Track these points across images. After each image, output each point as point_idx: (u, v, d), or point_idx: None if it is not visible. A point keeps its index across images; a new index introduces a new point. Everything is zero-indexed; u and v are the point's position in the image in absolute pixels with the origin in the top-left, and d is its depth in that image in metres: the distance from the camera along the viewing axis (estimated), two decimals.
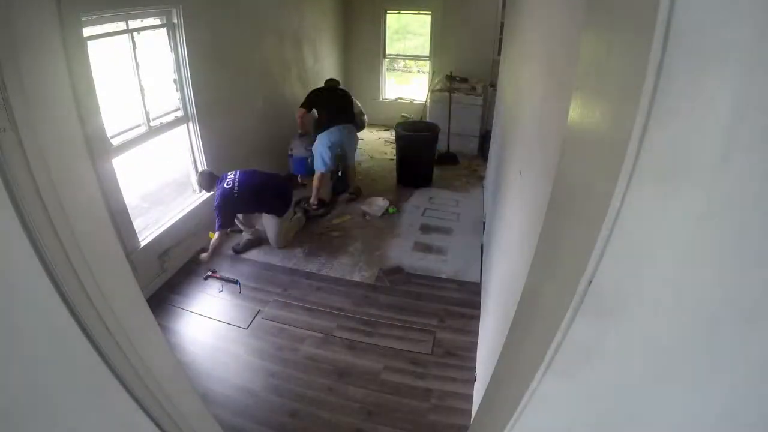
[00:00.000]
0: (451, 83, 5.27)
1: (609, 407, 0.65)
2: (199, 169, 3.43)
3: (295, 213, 3.68)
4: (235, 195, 3.09)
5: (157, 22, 2.85)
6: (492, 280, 2.36)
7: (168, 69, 3.02)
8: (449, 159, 5.13)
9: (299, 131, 4.26)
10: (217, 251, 3.28)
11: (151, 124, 2.89)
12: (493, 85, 5.00)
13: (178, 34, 2.95)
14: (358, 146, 5.48)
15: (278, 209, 3.34)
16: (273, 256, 3.38)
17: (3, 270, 0.68)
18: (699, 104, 0.39)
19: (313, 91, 4.09)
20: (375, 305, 2.87)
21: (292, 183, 4.49)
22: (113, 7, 2.47)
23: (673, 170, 0.43)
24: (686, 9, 0.36)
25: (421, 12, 5.90)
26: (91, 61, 2.28)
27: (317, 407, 2.15)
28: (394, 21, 6.15)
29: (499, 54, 4.77)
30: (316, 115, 4.10)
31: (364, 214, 3.99)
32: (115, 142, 2.58)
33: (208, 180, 3.20)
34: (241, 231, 3.50)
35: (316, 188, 3.96)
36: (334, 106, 4.00)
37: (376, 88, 6.36)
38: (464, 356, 2.45)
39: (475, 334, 2.60)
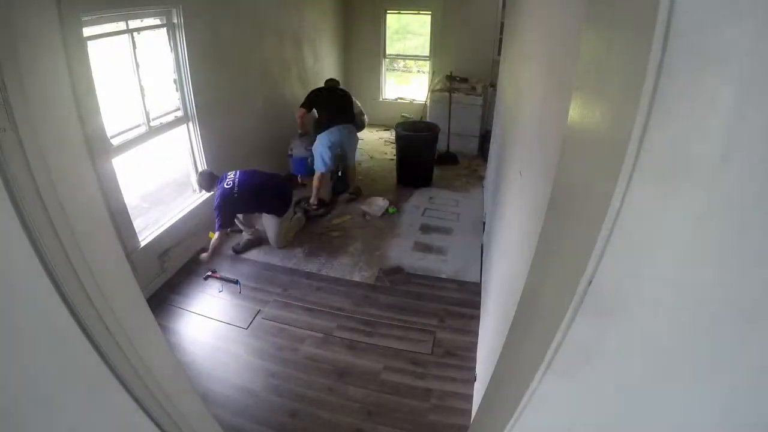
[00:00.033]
0: (451, 83, 5.27)
1: (609, 407, 0.65)
2: (199, 169, 3.43)
3: (295, 213, 3.68)
4: (235, 195, 3.09)
5: (157, 22, 2.85)
6: (492, 280, 2.36)
7: (168, 69, 3.02)
8: (449, 159, 5.13)
9: (299, 131, 4.27)
10: (217, 251, 3.28)
11: (151, 124, 2.89)
12: (493, 85, 5.00)
13: (178, 34, 2.95)
14: (358, 146, 5.50)
15: (278, 209, 3.34)
16: (273, 256, 3.38)
17: (3, 270, 0.68)
18: (699, 104, 0.39)
19: (313, 91, 4.09)
20: (375, 305, 2.87)
21: (291, 183, 4.50)
22: (113, 7, 2.47)
23: (673, 170, 0.43)
24: (686, 9, 0.36)
25: (421, 12, 5.90)
26: (91, 61, 2.28)
27: (317, 407, 2.15)
28: (394, 21, 6.15)
29: (499, 54, 4.78)
30: (316, 115, 4.10)
31: (364, 214, 3.99)
32: (115, 142, 2.58)
33: (208, 180, 3.20)
34: (241, 231, 3.50)
35: (316, 188, 3.96)
36: (334, 106, 3.99)
37: (376, 88, 6.36)
38: (464, 356, 2.45)
39: (475, 334, 2.60)
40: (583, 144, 0.61)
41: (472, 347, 2.50)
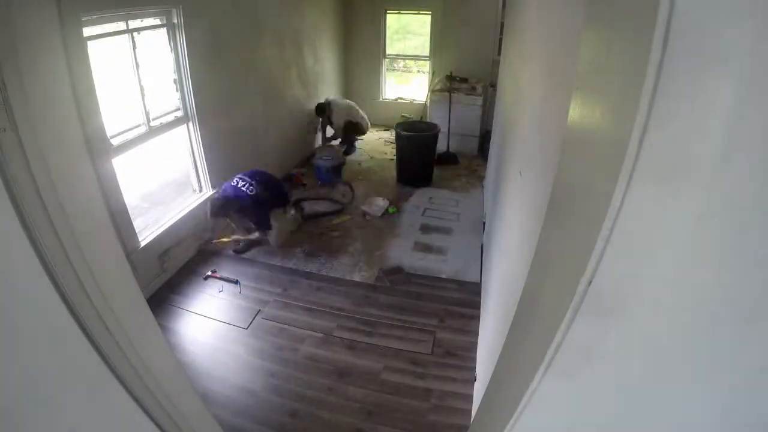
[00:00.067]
0: (451, 83, 5.27)
1: (609, 407, 0.65)
2: (199, 169, 3.43)
3: (290, 211, 3.70)
4: (257, 194, 3.22)
5: (157, 22, 2.85)
6: (492, 280, 2.36)
7: (168, 69, 3.02)
8: (449, 159, 5.13)
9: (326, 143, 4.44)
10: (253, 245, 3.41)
11: (151, 124, 2.89)
12: (493, 85, 5.00)
13: (178, 34, 2.95)
14: (358, 146, 5.51)
15: (282, 204, 3.46)
16: (273, 256, 3.38)
17: (3, 270, 0.68)
18: (699, 104, 0.39)
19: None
20: (375, 305, 2.87)
21: (290, 183, 4.51)
22: (113, 7, 2.46)
23: (673, 170, 0.43)
24: (686, 9, 0.36)
25: (421, 12, 5.89)
26: (91, 61, 2.28)
27: (317, 407, 2.15)
28: (394, 21, 6.15)
29: (499, 54, 4.78)
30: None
31: (364, 214, 3.99)
32: (115, 142, 2.58)
33: (223, 205, 3.20)
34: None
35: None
36: None
37: (376, 88, 6.36)
38: (464, 356, 2.45)
39: (475, 334, 2.60)
40: (583, 144, 0.61)
41: (472, 347, 2.50)
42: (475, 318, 2.72)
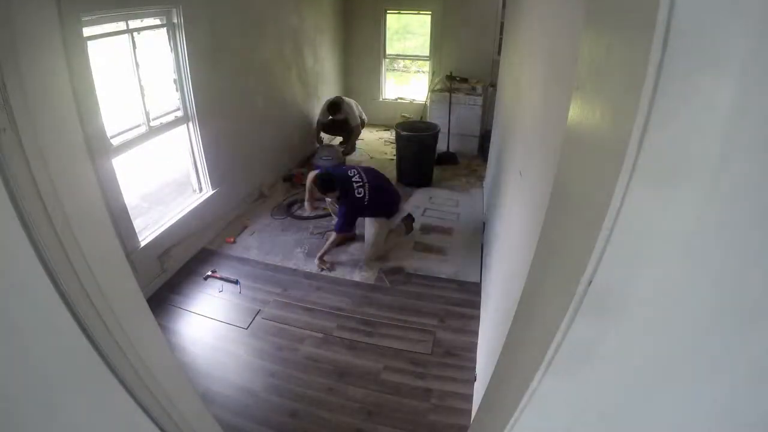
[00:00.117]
0: (451, 83, 5.27)
1: (609, 407, 0.65)
2: (199, 169, 3.43)
3: (394, 222, 3.47)
4: (366, 203, 3.11)
5: (157, 22, 2.85)
6: (492, 280, 2.36)
7: (168, 69, 3.01)
8: (449, 159, 5.13)
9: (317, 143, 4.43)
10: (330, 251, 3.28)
11: (151, 124, 2.89)
12: (493, 85, 5.00)
13: (178, 34, 2.95)
14: (358, 146, 5.50)
15: (388, 212, 3.32)
16: (273, 256, 3.38)
17: (3, 270, 0.68)
18: (699, 104, 0.39)
19: None
20: (375, 305, 2.87)
21: (290, 182, 4.50)
22: (113, 7, 2.46)
23: (673, 170, 0.43)
24: (686, 9, 0.36)
25: (421, 12, 5.89)
26: (91, 61, 2.28)
27: (317, 407, 2.15)
28: (394, 21, 6.14)
29: (499, 54, 4.77)
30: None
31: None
32: (115, 142, 2.58)
33: (328, 184, 3.10)
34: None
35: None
36: None
37: (376, 88, 6.36)
38: (464, 356, 2.45)
39: (475, 334, 2.60)
40: (582, 144, 0.61)
41: (472, 347, 2.50)
42: (475, 318, 2.72)
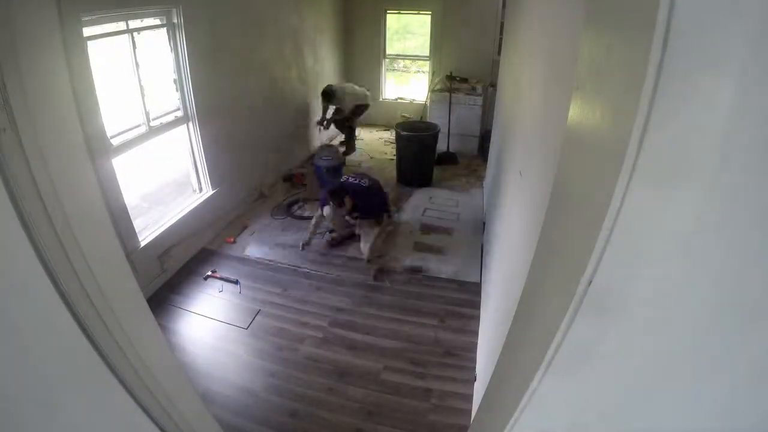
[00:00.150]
0: (451, 83, 5.27)
1: (609, 407, 0.65)
2: (199, 169, 3.42)
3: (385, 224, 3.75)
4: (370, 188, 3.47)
5: (157, 22, 2.85)
6: (492, 280, 2.36)
7: (168, 69, 3.02)
8: (449, 159, 5.13)
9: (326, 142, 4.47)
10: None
11: (151, 124, 2.89)
12: (493, 85, 4.99)
13: (178, 34, 2.95)
14: (358, 147, 5.50)
15: (379, 215, 3.63)
16: (273, 255, 3.38)
17: (3, 270, 0.68)
18: (699, 104, 0.39)
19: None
20: (375, 305, 2.87)
21: (290, 182, 4.50)
22: (113, 7, 2.46)
23: (673, 170, 0.43)
24: (686, 9, 0.36)
25: (421, 12, 5.89)
26: (91, 61, 2.28)
27: (317, 407, 2.15)
28: (394, 21, 6.14)
29: (499, 54, 4.77)
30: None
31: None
32: (115, 142, 2.58)
33: (339, 193, 3.37)
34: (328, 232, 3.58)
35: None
36: None
37: (376, 88, 6.35)
38: (464, 356, 2.45)
39: (475, 334, 2.60)
40: (582, 144, 0.61)
41: (472, 347, 2.50)
42: (475, 318, 2.72)
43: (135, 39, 2.68)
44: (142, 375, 0.96)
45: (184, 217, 3.22)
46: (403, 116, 5.99)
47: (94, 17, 2.33)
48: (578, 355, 0.59)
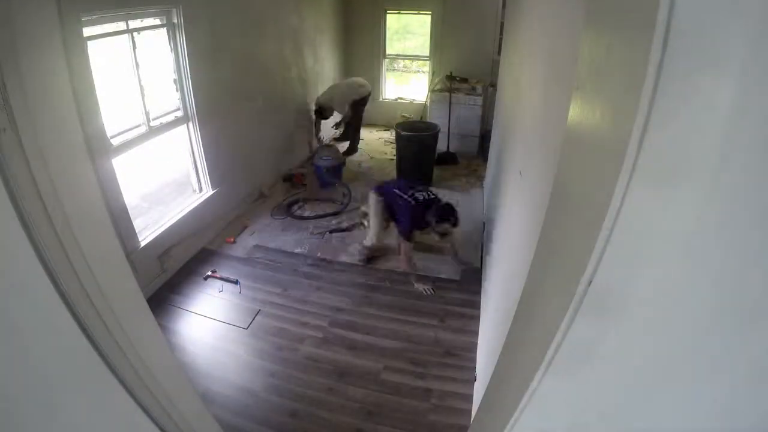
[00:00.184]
0: (451, 83, 5.27)
1: (609, 407, 0.65)
2: (199, 169, 3.43)
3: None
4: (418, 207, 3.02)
5: (157, 22, 2.85)
6: (492, 280, 2.36)
7: (168, 69, 3.01)
8: (449, 159, 5.13)
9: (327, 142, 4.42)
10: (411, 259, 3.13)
11: (151, 124, 2.89)
12: (493, 85, 4.99)
13: (178, 34, 2.95)
14: (360, 146, 5.49)
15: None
16: (273, 255, 3.38)
17: (3, 270, 0.68)
18: (699, 104, 0.39)
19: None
20: (375, 305, 2.87)
21: (290, 182, 4.50)
22: (113, 7, 2.46)
23: (673, 170, 0.43)
24: (686, 9, 0.36)
25: (421, 12, 5.89)
26: (91, 61, 2.28)
27: (317, 407, 2.15)
28: (394, 21, 6.14)
29: (499, 54, 4.77)
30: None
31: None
32: (115, 142, 2.58)
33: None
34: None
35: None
36: None
37: (376, 88, 6.35)
38: (464, 356, 2.45)
39: (475, 334, 2.60)
40: (582, 144, 0.61)
41: (472, 347, 2.50)
42: (475, 318, 2.72)
43: (135, 39, 2.68)
44: (142, 375, 0.96)
45: (184, 217, 3.22)
46: (403, 116, 5.98)
47: (94, 17, 2.33)
48: (578, 355, 0.59)
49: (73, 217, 0.79)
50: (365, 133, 5.69)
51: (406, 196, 3.08)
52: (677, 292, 0.50)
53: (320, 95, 4.99)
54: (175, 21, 2.91)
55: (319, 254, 3.41)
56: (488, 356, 1.86)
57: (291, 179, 4.56)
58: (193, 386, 1.46)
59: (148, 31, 2.84)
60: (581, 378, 0.62)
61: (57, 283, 0.75)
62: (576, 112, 0.63)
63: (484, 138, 5.17)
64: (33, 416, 0.78)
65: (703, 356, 0.54)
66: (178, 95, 3.10)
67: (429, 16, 5.78)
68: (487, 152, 4.44)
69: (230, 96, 3.63)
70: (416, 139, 4.46)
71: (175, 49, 2.97)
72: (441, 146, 4.90)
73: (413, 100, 6.34)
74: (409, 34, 6.46)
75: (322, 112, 4.95)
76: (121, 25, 2.59)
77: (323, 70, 5.55)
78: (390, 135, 5.90)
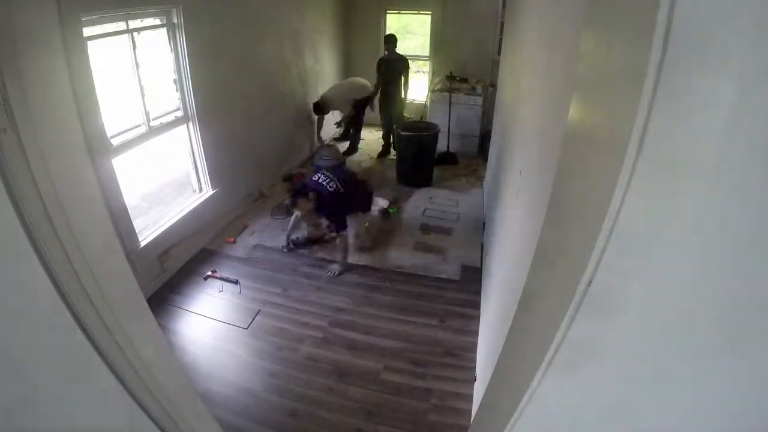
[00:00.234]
0: (451, 83, 5.27)
1: (609, 407, 0.65)
2: (199, 169, 3.43)
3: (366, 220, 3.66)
4: (342, 193, 3.08)
5: (157, 22, 2.85)
6: (492, 280, 2.36)
7: (168, 69, 3.02)
8: (449, 159, 5.13)
9: (327, 142, 4.36)
10: (350, 251, 3.26)
11: (151, 124, 2.89)
12: (493, 85, 4.99)
13: (178, 34, 2.95)
14: (360, 146, 5.49)
15: (365, 207, 3.42)
16: (273, 255, 3.38)
17: (3, 270, 0.68)
18: (699, 104, 0.39)
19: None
20: (375, 305, 2.87)
21: (290, 183, 4.50)
22: (113, 7, 2.47)
23: (673, 170, 0.43)
24: (686, 9, 0.36)
25: (421, 12, 5.89)
26: (91, 61, 2.28)
27: (317, 407, 2.15)
28: (394, 21, 6.14)
29: (499, 54, 4.77)
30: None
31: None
32: (115, 142, 2.58)
33: (302, 190, 3.09)
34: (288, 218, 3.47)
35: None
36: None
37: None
38: (464, 356, 2.45)
39: (475, 334, 2.60)
40: (583, 144, 0.61)
41: (472, 347, 2.50)
42: (475, 318, 2.72)
43: (135, 39, 2.67)
44: (142, 375, 0.96)
45: (184, 217, 3.22)
46: (404, 116, 5.98)
47: (94, 17, 2.33)
48: (578, 355, 0.59)
49: (73, 217, 0.79)
50: (365, 133, 5.69)
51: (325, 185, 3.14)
52: (677, 291, 0.50)
53: (323, 93, 5.00)
54: (175, 21, 2.91)
55: (319, 254, 3.41)
56: (488, 356, 1.86)
57: (291, 179, 4.56)
58: (193, 386, 1.46)
59: (148, 31, 2.84)
60: (581, 378, 0.62)
61: (57, 283, 0.75)
62: (576, 112, 0.63)
63: (484, 138, 5.17)
64: (33, 416, 0.78)
65: (704, 356, 0.54)
66: (178, 95, 3.10)
67: (429, 16, 5.78)
68: (487, 152, 4.44)
69: (230, 96, 3.63)
70: (416, 139, 4.46)
71: (175, 49, 2.97)
72: (441, 146, 4.90)
73: (413, 100, 6.33)
74: (409, 34, 6.46)
75: (321, 108, 4.94)
76: (121, 25, 2.59)
77: (323, 70, 5.55)
78: None
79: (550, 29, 1.35)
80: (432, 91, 5.51)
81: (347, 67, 6.26)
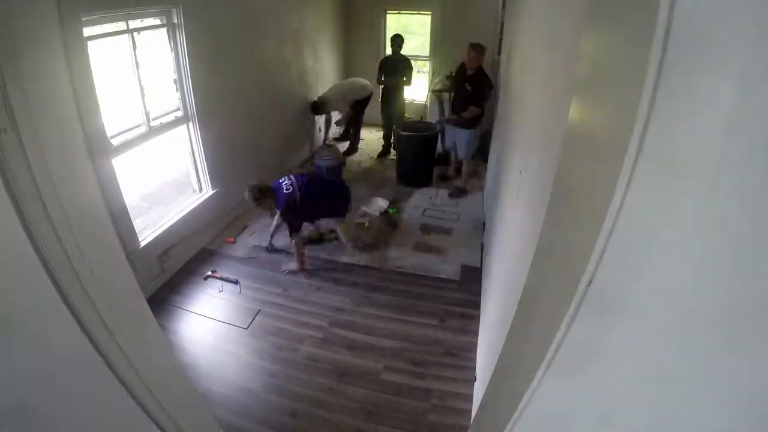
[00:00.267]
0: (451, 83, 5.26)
1: (609, 407, 0.65)
2: (199, 169, 3.43)
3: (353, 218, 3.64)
4: (297, 199, 2.98)
5: (157, 22, 2.85)
6: (492, 280, 2.36)
7: (168, 69, 3.01)
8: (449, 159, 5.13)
9: (327, 142, 4.33)
10: (303, 257, 3.16)
11: (151, 124, 2.88)
12: (493, 86, 4.98)
13: (178, 34, 2.95)
14: (360, 146, 5.49)
15: (339, 212, 3.31)
16: (273, 255, 3.38)
17: (3, 270, 0.68)
18: (699, 104, 0.39)
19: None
20: (375, 305, 2.87)
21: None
22: (113, 7, 2.47)
23: (673, 170, 0.43)
24: (686, 9, 0.36)
25: (421, 12, 5.89)
26: (91, 61, 2.28)
27: (317, 407, 2.15)
28: (394, 21, 6.14)
29: (499, 54, 4.77)
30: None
31: (364, 213, 3.99)
32: (115, 142, 2.58)
33: (261, 192, 3.02)
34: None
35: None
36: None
37: (376, 88, 6.34)
38: (464, 356, 2.45)
39: (475, 334, 2.60)
40: (583, 144, 0.61)
41: (472, 347, 2.50)
42: (475, 318, 2.72)
43: (135, 39, 2.67)
44: (142, 375, 0.96)
45: (184, 217, 3.22)
46: (404, 116, 5.98)
47: (94, 17, 2.33)
48: (578, 354, 0.59)
49: (73, 217, 0.79)
50: (365, 133, 5.69)
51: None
52: (677, 291, 0.50)
53: (322, 93, 5.00)
54: (175, 21, 2.90)
55: (319, 254, 3.41)
56: (488, 356, 1.86)
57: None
58: (193, 386, 1.46)
59: (148, 31, 2.84)
60: (581, 378, 0.62)
61: (57, 283, 0.75)
62: (576, 111, 0.63)
63: (484, 138, 5.16)
64: (33, 416, 0.78)
65: (704, 356, 0.54)
66: (178, 95, 3.10)
67: (429, 16, 5.78)
68: (487, 152, 4.44)
69: (230, 96, 3.63)
70: (416, 139, 4.46)
71: (175, 49, 2.97)
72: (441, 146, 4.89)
73: (413, 100, 6.33)
74: (409, 34, 6.45)
75: (318, 108, 4.94)
76: (121, 25, 2.59)
77: (323, 70, 5.55)
78: None
79: (550, 29, 1.35)
80: (432, 91, 5.51)
81: (347, 67, 6.26)
